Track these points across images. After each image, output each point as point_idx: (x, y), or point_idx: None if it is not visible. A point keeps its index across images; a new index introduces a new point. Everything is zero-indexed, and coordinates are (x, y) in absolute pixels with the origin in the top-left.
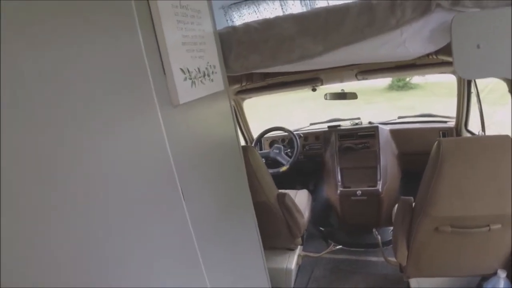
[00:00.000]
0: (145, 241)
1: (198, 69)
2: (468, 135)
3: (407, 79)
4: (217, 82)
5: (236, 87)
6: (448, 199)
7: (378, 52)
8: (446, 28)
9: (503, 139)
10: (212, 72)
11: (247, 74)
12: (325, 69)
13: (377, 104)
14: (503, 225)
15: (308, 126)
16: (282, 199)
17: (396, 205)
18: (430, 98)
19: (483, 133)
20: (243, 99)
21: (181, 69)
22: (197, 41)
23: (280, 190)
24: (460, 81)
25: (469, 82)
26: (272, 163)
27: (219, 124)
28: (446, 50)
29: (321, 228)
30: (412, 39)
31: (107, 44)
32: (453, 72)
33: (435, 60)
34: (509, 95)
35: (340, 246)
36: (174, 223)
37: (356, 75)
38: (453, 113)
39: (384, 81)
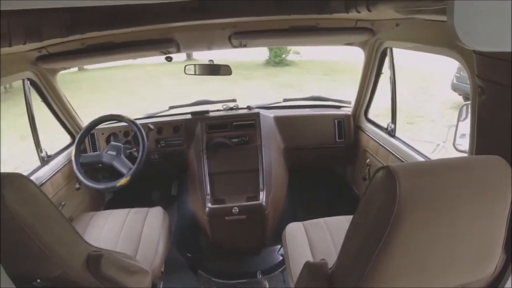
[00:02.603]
0: None
1: None
2: (368, 124)
3: (283, 55)
4: None
5: (30, 49)
6: (400, 273)
7: None
8: None
9: (495, 164)
10: None
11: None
12: (182, 27)
13: (256, 81)
14: None
15: (167, 111)
16: (95, 269)
17: (286, 227)
18: (305, 75)
19: (392, 126)
20: (54, 72)
21: None
22: None
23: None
24: (370, 58)
25: (381, 61)
26: (108, 170)
27: None
28: None
29: (188, 254)
30: None
31: None
32: (364, 45)
33: (343, 23)
34: None
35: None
36: None
37: (229, 38)
38: (329, 92)
39: (261, 56)
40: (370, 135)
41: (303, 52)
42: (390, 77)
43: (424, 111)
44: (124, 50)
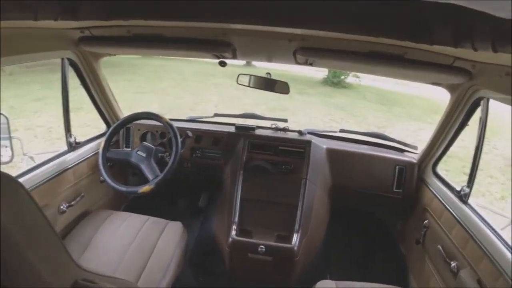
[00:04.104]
0: None
1: None
2: (435, 180)
3: (342, 77)
4: None
5: (72, 28)
6: None
7: None
8: None
9: None
10: None
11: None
12: (242, 31)
13: (310, 97)
14: None
15: (211, 118)
16: None
17: (316, 285)
18: (361, 101)
19: (467, 190)
20: (97, 56)
21: None
22: None
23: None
24: (457, 104)
25: (471, 111)
26: (136, 169)
27: None
28: None
29: (200, 278)
30: None
31: None
32: (453, 88)
33: (438, 58)
34: None
35: None
36: None
37: (294, 53)
38: (382, 123)
39: (319, 74)
40: (436, 193)
41: (362, 77)
42: (479, 133)
43: (483, 163)
44: (172, 46)
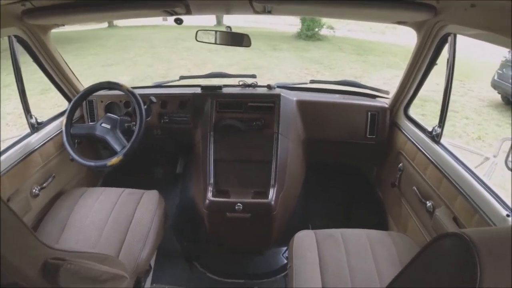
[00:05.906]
0: None
1: None
2: (408, 123)
3: (316, 29)
4: None
5: (12, 2)
6: None
7: None
8: None
9: None
10: None
11: None
12: None
13: (283, 53)
14: None
15: (177, 81)
16: (53, 280)
17: (295, 236)
18: (337, 53)
19: (439, 130)
20: (46, 29)
21: None
22: None
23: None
24: (424, 44)
25: (438, 48)
26: (104, 144)
27: None
28: None
29: (185, 242)
30: None
31: None
32: (419, 26)
33: None
34: None
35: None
36: None
37: (251, 1)
38: (358, 73)
39: (292, 28)
40: (408, 136)
41: (337, 28)
42: (447, 72)
43: (459, 105)
44: (120, 7)
